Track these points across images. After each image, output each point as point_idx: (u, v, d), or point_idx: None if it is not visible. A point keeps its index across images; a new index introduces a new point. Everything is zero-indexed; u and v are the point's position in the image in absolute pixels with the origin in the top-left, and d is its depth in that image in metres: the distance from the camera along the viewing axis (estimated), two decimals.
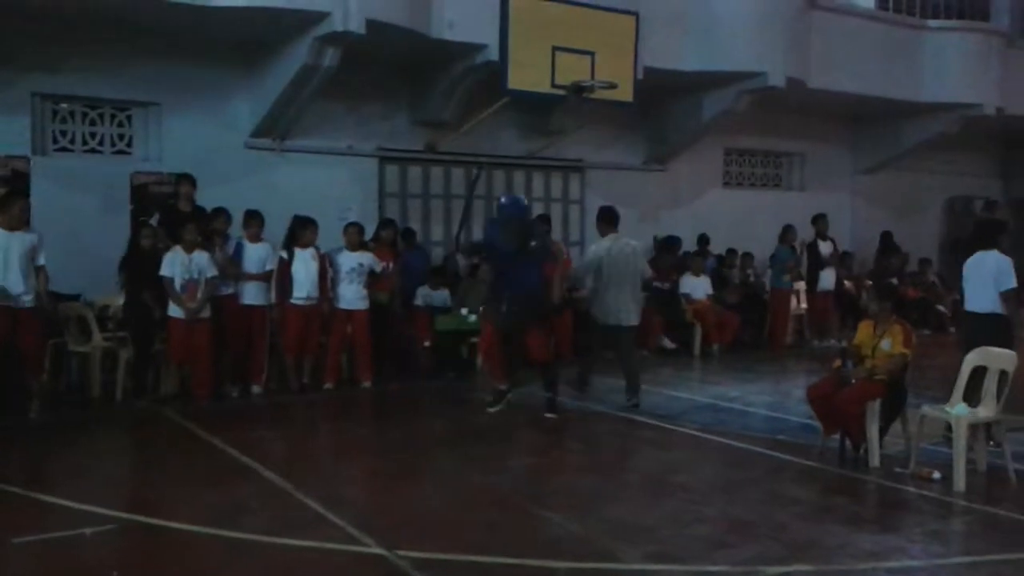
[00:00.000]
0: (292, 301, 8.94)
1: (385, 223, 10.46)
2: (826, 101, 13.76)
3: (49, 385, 8.29)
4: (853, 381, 6.45)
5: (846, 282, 13.43)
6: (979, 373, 6.34)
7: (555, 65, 10.48)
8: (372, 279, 9.37)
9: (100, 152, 9.98)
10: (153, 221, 9.06)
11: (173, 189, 9.33)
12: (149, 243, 8.44)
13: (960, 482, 5.90)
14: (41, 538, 4.84)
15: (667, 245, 12.84)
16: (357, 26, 8.85)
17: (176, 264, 8.23)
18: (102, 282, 8.85)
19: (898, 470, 6.26)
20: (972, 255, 7.27)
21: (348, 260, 9.24)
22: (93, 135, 9.94)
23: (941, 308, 14.44)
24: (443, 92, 11.01)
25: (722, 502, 5.76)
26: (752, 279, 13.24)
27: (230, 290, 8.75)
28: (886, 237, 15.03)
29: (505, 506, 5.62)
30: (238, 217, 8.97)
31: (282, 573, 4.55)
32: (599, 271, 8.45)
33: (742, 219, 13.90)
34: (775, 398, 9.09)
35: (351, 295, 9.18)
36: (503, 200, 8.29)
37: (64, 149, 9.80)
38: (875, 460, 6.39)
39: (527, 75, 10.31)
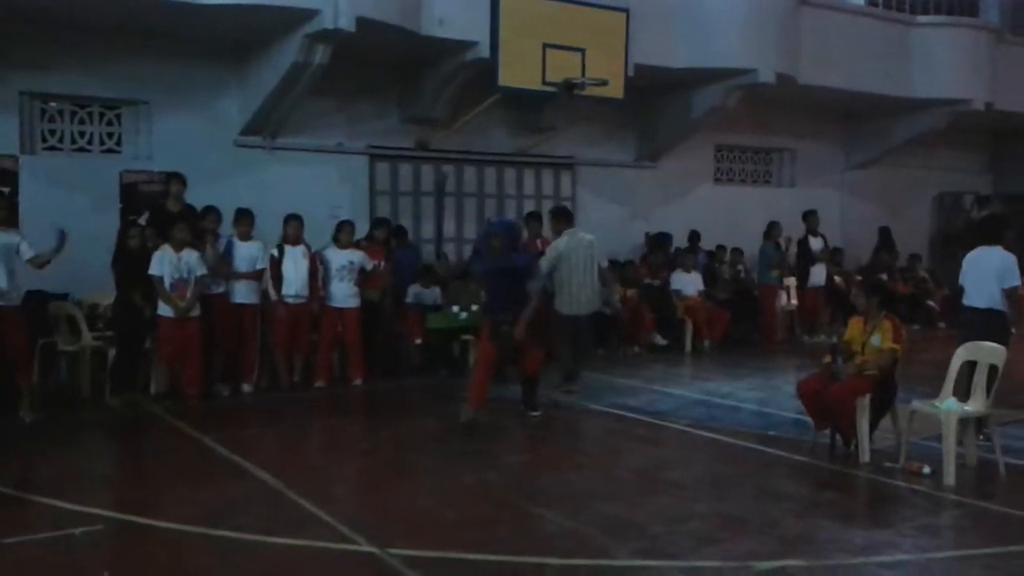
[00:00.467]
0: (283, 299, 8.91)
1: (378, 222, 10.46)
2: (816, 97, 13.79)
3: (39, 385, 8.25)
4: (843, 377, 6.46)
5: (836, 278, 13.46)
6: (969, 368, 6.37)
7: (546, 62, 10.48)
8: (363, 277, 9.35)
9: (89, 151, 9.93)
10: (142, 220, 9.02)
11: (163, 188, 9.30)
12: (137, 242, 8.40)
13: (950, 477, 5.92)
14: (31, 538, 4.82)
15: (658, 241, 12.86)
16: (347, 23, 8.83)
17: (165, 263, 8.20)
18: (91, 281, 8.80)
19: (888, 465, 6.27)
20: (972, 250, 7.21)
21: (338, 258, 9.22)
22: (82, 134, 9.90)
23: (931, 303, 14.49)
24: (434, 89, 11.00)
25: (713, 498, 5.78)
26: (742, 275, 13.26)
27: (220, 289, 8.72)
28: (884, 232, 15.06)
29: (497, 503, 5.62)
30: (228, 216, 8.94)
31: (274, 572, 4.54)
32: (559, 265, 8.78)
33: (733, 215, 13.92)
34: (766, 394, 9.11)
35: (341, 293, 9.16)
36: (492, 221, 8.35)
37: (53, 148, 9.75)
38: (866, 455, 6.40)
39: (518, 72, 10.31)
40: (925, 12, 15.41)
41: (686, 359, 11.50)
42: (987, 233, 7.24)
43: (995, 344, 6.34)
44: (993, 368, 6.22)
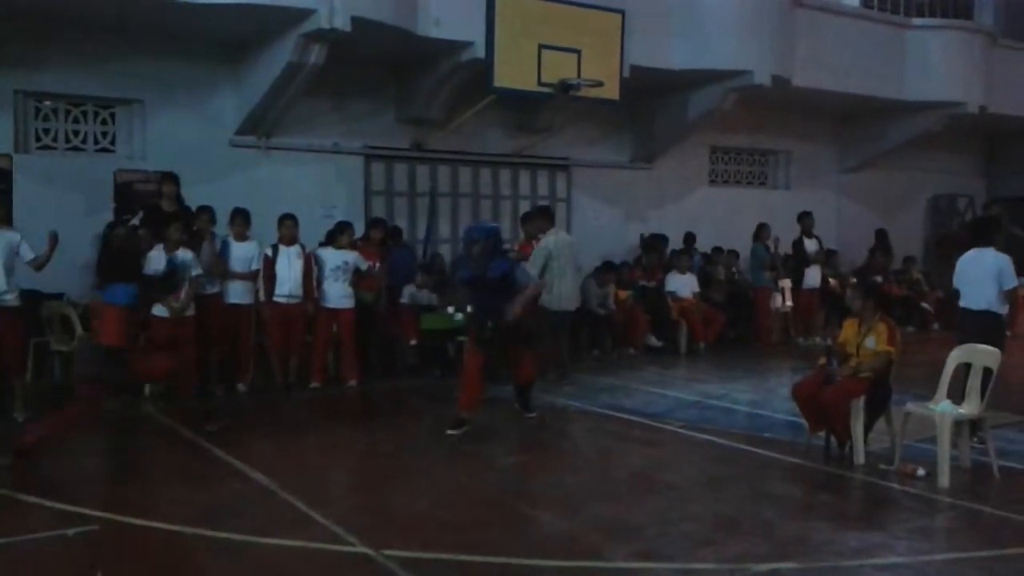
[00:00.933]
0: (273, 299, 8.91)
1: (374, 222, 10.44)
2: (811, 99, 13.81)
3: (32, 385, 8.22)
4: (838, 379, 6.47)
5: (831, 280, 13.48)
6: (964, 370, 6.38)
7: (541, 63, 10.48)
8: (358, 277, 9.34)
9: (83, 150, 9.91)
10: (136, 220, 9.00)
11: (157, 188, 9.27)
12: (121, 242, 8.37)
13: (944, 479, 5.93)
14: (24, 539, 4.80)
15: (653, 243, 12.87)
16: (343, 23, 8.82)
17: (160, 263, 8.16)
18: (85, 281, 8.77)
19: (883, 467, 6.29)
20: (966, 252, 7.22)
21: (333, 258, 9.21)
22: (76, 133, 9.87)
23: (925, 306, 14.53)
24: (429, 90, 10.99)
25: (708, 500, 5.77)
26: (737, 277, 13.27)
27: (215, 289, 8.70)
28: (881, 234, 15.09)
29: (492, 505, 5.61)
30: (224, 216, 8.92)
31: (268, 573, 4.53)
32: (549, 263, 9.11)
33: (728, 217, 13.94)
34: (761, 396, 9.12)
35: (336, 293, 9.15)
36: (471, 227, 8.16)
37: (47, 147, 9.73)
38: (860, 457, 6.41)
39: (513, 73, 10.31)
40: (920, 15, 15.48)
41: (681, 361, 11.50)
42: (979, 235, 7.26)
43: (990, 347, 6.36)
44: (988, 370, 6.23)
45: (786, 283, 12.95)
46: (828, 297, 13.18)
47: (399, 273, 10.37)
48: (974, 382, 6.24)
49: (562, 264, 9.22)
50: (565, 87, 10.61)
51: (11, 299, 7.46)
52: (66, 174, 9.59)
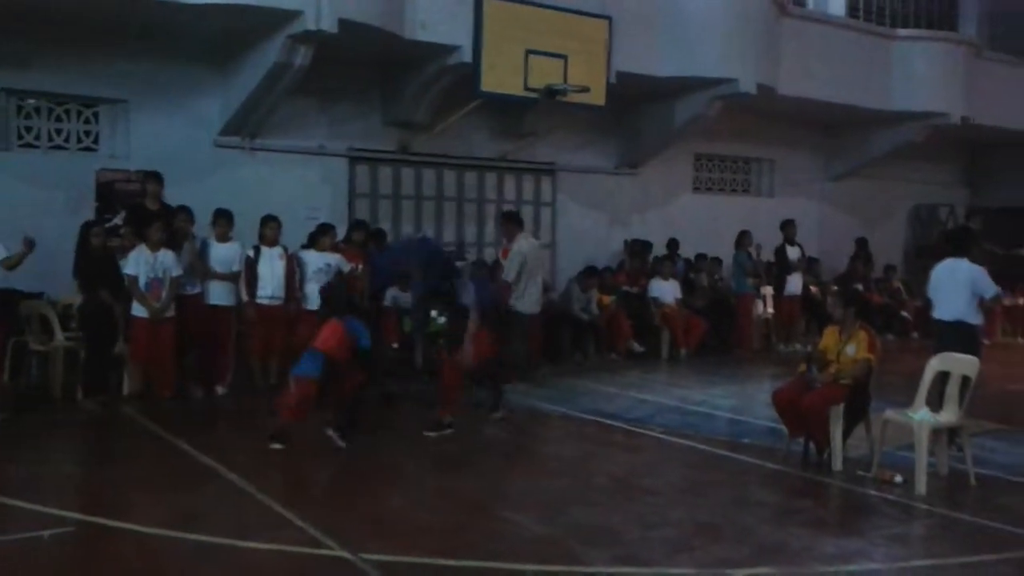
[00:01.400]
0: (256, 300, 8.86)
1: (356, 224, 10.40)
2: (796, 108, 13.89)
3: (9, 384, 8.15)
4: (818, 385, 6.50)
5: (812, 287, 13.55)
6: (942, 378, 6.42)
7: (528, 68, 10.50)
8: (341, 279, 9.29)
9: (65, 149, 9.83)
10: (119, 219, 8.94)
11: (139, 187, 9.21)
12: (99, 241, 8.32)
13: (922, 486, 5.97)
14: None
15: (637, 249, 12.90)
16: (329, 25, 8.80)
17: (141, 263, 8.12)
18: (65, 280, 8.71)
19: (861, 474, 6.32)
20: (941, 261, 7.23)
21: (315, 260, 9.17)
22: (59, 131, 9.80)
23: (905, 314, 14.63)
24: (415, 93, 10.98)
25: (688, 505, 5.78)
26: (720, 284, 13.32)
27: (196, 289, 8.65)
28: (861, 243, 15.18)
29: (471, 508, 5.61)
30: (207, 216, 8.87)
31: None
32: (522, 268, 9.38)
33: (712, 224, 13.97)
34: (741, 401, 9.15)
35: (318, 296, 9.10)
36: (397, 249, 8.35)
37: (29, 145, 9.64)
38: (838, 464, 6.45)
39: (500, 77, 10.32)
40: (905, 25, 15.61)
41: (663, 366, 11.53)
42: (956, 245, 7.23)
43: (969, 356, 6.40)
44: (966, 379, 6.28)
45: (767, 290, 13.01)
46: (809, 304, 13.24)
47: (382, 276, 10.33)
48: (952, 390, 6.29)
49: (532, 268, 9.50)
50: (551, 92, 10.63)
51: None
52: (48, 173, 9.50)
